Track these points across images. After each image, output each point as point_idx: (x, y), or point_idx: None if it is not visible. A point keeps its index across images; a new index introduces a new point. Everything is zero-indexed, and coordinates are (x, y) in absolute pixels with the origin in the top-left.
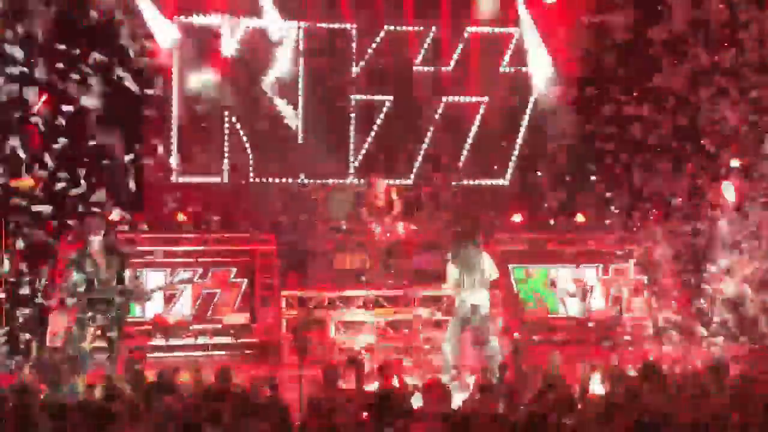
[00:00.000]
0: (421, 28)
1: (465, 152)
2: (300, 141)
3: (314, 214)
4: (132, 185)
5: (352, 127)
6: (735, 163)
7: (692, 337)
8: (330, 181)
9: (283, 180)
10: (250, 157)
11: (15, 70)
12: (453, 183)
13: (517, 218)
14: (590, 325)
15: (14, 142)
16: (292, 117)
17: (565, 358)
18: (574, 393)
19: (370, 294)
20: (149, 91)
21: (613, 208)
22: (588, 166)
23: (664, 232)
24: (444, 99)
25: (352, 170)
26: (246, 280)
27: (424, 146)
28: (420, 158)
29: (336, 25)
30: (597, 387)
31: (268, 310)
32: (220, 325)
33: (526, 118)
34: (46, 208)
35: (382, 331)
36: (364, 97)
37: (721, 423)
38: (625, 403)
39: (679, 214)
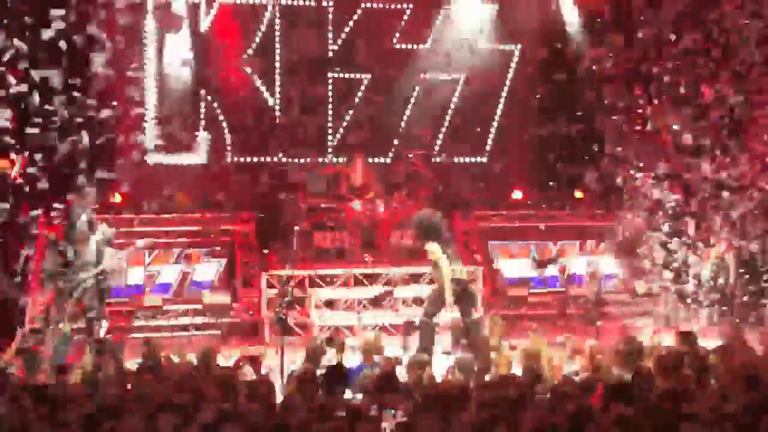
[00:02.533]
0: (399, 6)
1: (444, 129)
2: (278, 120)
3: (294, 194)
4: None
5: (330, 106)
6: None
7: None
8: (308, 160)
9: (262, 159)
10: (228, 136)
11: None
12: (432, 161)
13: (516, 195)
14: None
15: None
16: (270, 96)
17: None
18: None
19: (351, 272)
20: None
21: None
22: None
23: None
24: (422, 76)
25: (330, 149)
26: (226, 260)
27: (403, 124)
28: (399, 136)
29: (313, 3)
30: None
31: (248, 289)
32: (200, 306)
33: (505, 92)
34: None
35: (363, 309)
36: (341, 75)
37: None
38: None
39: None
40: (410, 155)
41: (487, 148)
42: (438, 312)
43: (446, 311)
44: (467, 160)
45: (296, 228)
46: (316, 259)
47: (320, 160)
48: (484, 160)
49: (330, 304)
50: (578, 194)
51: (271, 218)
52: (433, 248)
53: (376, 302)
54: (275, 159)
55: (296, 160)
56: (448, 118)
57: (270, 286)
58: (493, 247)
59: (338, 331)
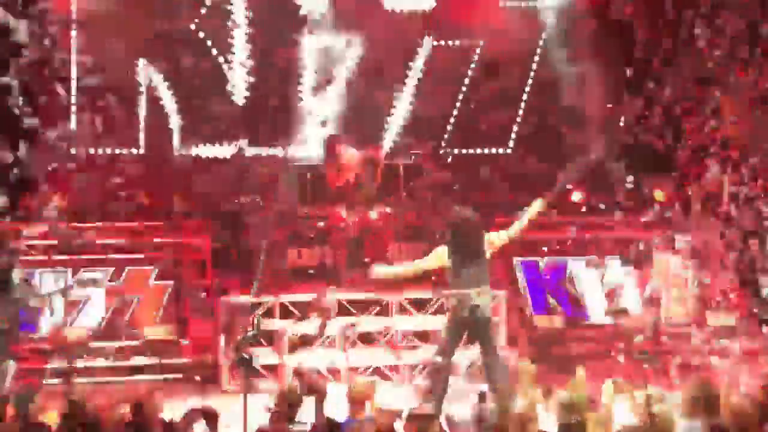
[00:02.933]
0: None
1: (455, 113)
2: (240, 102)
3: (260, 196)
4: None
5: (308, 81)
6: None
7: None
8: (279, 150)
9: (219, 152)
10: (175, 123)
11: None
12: (440, 153)
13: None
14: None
15: None
16: (230, 71)
17: (590, 377)
18: None
19: (334, 298)
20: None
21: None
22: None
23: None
24: (426, 44)
25: (307, 138)
26: (172, 283)
27: (402, 107)
28: (397, 122)
29: None
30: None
31: (201, 321)
32: (138, 342)
33: (534, 65)
34: None
35: (350, 345)
36: (320, 42)
37: None
38: None
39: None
40: (413, 146)
41: (512, 136)
42: (453, 348)
43: (463, 349)
44: (486, 151)
45: (264, 241)
46: (291, 281)
47: (293, 152)
48: (509, 151)
49: (308, 339)
50: (658, 195)
51: (232, 228)
52: (438, 254)
53: (368, 337)
54: (237, 151)
55: (264, 153)
56: (460, 97)
57: (230, 316)
58: (520, 265)
59: (318, 375)
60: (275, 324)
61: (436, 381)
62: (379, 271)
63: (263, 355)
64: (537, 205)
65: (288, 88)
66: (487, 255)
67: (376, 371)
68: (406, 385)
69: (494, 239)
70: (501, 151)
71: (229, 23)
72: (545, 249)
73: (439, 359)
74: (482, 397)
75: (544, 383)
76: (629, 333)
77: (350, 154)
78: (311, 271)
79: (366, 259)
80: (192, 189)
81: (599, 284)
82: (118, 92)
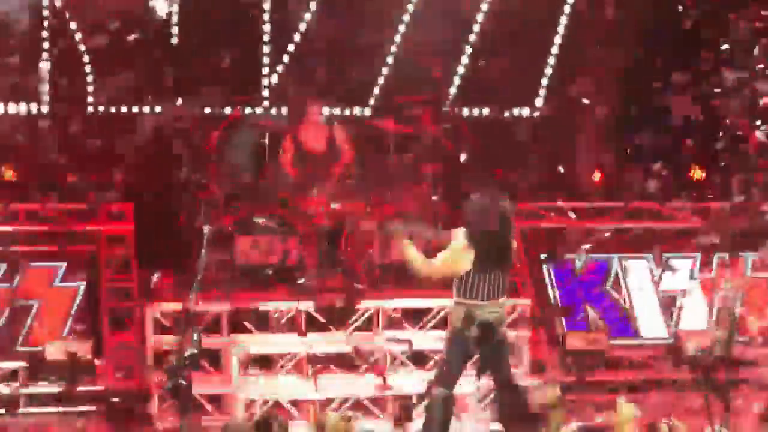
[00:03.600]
0: None
1: (463, 65)
2: (174, 43)
3: (202, 170)
4: None
5: (267, 22)
6: None
7: None
8: (228, 110)
9: (147, 110)
10: (89, 75)
11: None
12: (443, 114)
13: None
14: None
15: None
16: (162, 5)
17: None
18: None
19: (301, 307)
20: None
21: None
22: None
23: None
24: None
25: (266, 92)
26: (84, 285)
27: (392, 56)
28: (384, 76)
29: None
30: None
31: (123, 335)
32: (40, 361)
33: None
34: None
35: (320, 369)
36: None
37: None
38: None
39: None
40: (407, 107)
41: (541, 94)
42: (456, 377)
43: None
44: (507, 114)
45: (205, 229)
46: (242, 283)
47: (248, 111)
48: (536, 114)
49: (265, 361)
50: (697, 173)
51: (162, 212)
52: (454, 247)
53: (343, 359)
54: (170, 111)
55: (206, 111)
56: (469, 45)
57: (161, 329)
58: (549, 265)
59: (278, 408)
60: (221, 340)
61: (432, 420)
62: (398, 229)
63: (205, 382)
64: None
65: (240, 27)
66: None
67: (355, 405)
68: (392, 422)
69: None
70: (526, 112)
71: None
72: (585, 245)
73: (437, 391)
74: None
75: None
76: (691, 356)
77: (321, 118)
78: (269, 271)
79: (342, 258)
80: (111, 159)
81: (654, 291)
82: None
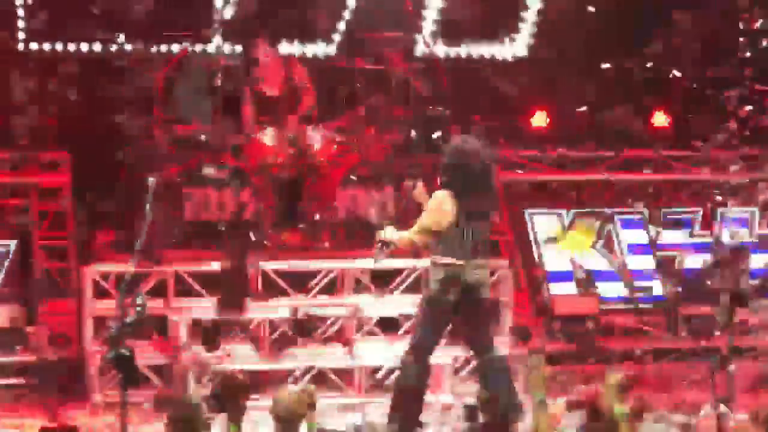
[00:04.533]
0: None
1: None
2: None
3: (146, 112)
4: None
5: None
6: None
7: None
8: (174, 47)
9: (83, 48)
10: (18, 8)
11: None
12: (416, 55)
13: (539, 121)
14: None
15: None
16: None
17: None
18: None
19: (258, 267)
20: None
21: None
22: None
23: None
24: None
25: (217, 27)
26: (13, 243)
27: None
28: (351, 10)
29: None
30: None
31: (59, 300)
32: None
33: None
34: None
35: (281, 338)
36: None
37: None
38: None
39: None
40: (375, 45)
41: (524, 33)
42: (432, 345)
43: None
44: (488, 54)
45: (150, 180)
46: (191, 241)
47: (195, 48)
48: (522, 54)
49: (217, 329)
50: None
51: (102, 162)
52: (435, 199)
53: (307, 325)
54: (108, 47)
55: (150, 49)
56: None
57: (100, 293)
58: (535, 220)
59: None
60: (169, 305)
61: (404, 393)
62: (392, 235)
63: (150, 352)
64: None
65: None
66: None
67: (318, 376)
68: (361, 397)
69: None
70: (509, 54)
71: None
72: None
73: (410, 360)
74: (471, 414)
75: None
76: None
77: (277, 55)
78: (221, 228)
79: (304, 211)
80: (45, 102)
81: (651, 250)
82: None
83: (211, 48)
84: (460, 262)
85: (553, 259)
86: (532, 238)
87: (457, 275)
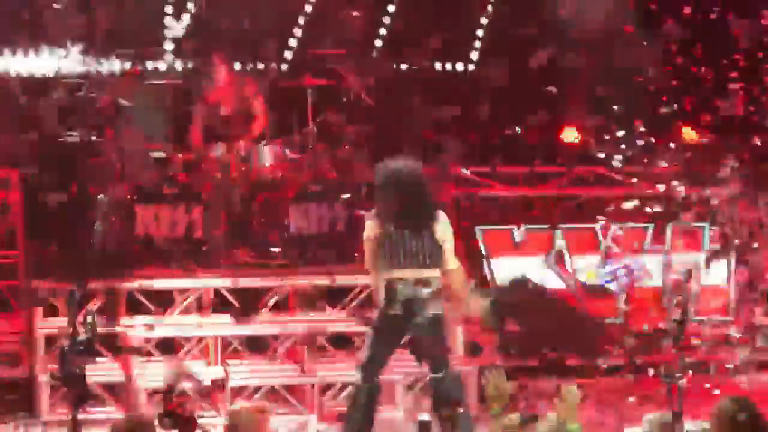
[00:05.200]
0: None
1: (389, 13)
2: None
3: (96, 129)
4: None
5: None
6: None
7: None
8: (128, 65)
9: (37, 67)
10: None
11: None
12: (368, 66)
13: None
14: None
15: None
16: None
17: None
18: None
19: (209, 284)
20: None
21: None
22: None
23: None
24: None
25: (169, 45)
26: None
27: (310, 4)
28: (302, 27)
29: None
30: None
31: (8, 317)
32: None
33: None
34: None
35: (229, 356)
36: None
37: None
38: None
39: None
40: (329, 61)
41: (476, 46)
42: (380, 362)
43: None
44: (440, 67)
45: (100, 197)
46: (142, 259)
47: (151, 65)
48: (471, 68)
49: (168, 346)
50: (688, 132)
51: (51, 178)
52: (366, 226)
53: (256, 343)
54: (58, 63)
55: (101, 65)
56: None
57: (48, 310)
58: (487, 236)
59: (182, 398)
60: (120, 323)
61: (355, 410)
62: None
63: (101, 370)
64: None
65: None
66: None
67: (269, 394)
68: (312, 414)
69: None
70: (460, 66)
71: None
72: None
73: (358, 377)
74: (425, 429)
75: (523, 407)
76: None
77: (229, 72)
78: (172, 245)
79: (256, 228)
80: None
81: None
82: None
83: (162, 65)
84: (399, 276)
85: (505, 275)
86: (485, 253)
87: (395, 289)
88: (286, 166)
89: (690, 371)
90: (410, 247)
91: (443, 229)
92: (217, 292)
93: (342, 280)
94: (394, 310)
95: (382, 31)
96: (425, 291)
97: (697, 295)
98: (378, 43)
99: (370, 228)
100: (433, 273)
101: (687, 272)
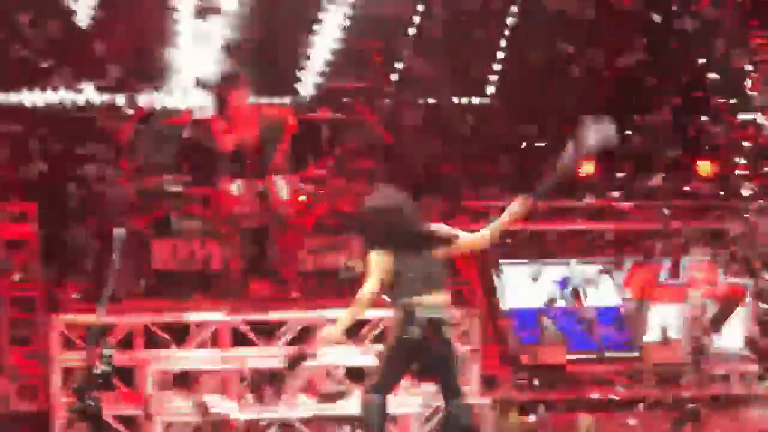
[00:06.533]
0: None
1: (408, 50)
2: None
3: (112, 163)
4: None
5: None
6: None
7: None
8: (142, 99)
9: (50, 101)
10: None
11: None
12: (385, 102)
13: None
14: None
15: None
16: None
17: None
18: None
19: (227, 320)
20: None
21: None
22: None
23: None
24: None
25: (189, 79)
26: None
27: (328, 36)
28: (320, 58)
29: None
30: None
31: (24, 350)
32: None
33: None
34: None
35: (245, 389)
36: None
37: None
38: None
39: None
40: (347, 95)
41: (492, 80)
42: (391, 383)
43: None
44: (455, 101)
45: (117, 231)
46: (158, 292)
47: (161, 99)
48: (486, 101)
49: (185, 379)
50: (703, 167)
51: (70, 212)
52: (371, 260)
53: (272, 377)
54: (74, 97)
55: (119, 102)
56: (415, 22)
57: (67, 344)
58: (504, 270)
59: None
60: (136, 356)
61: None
62: (330, 334)
63: (117, 403)
64: (514, 207)
65: (155, 10)
66: (442, 253)
67: (285, 428)
68: None
69: (464, 239)
70: (476, 100)
71: None
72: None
73: (369, 398)
74: None
75: None
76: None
77: (249, 104)
78: (189, 278)
79: (271, 262)
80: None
81: (618, 299)
82: None
83: (177, 96)
84: (415, 300)
85: (521, 309)
86: (498, 288)
87: (412, 312)
88: (304, 200)
89: (707, 405)
90: (419, 277)
91: (436, 227)
92: (235, 328)
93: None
94: (411, 334)
95: (399, 65)
96: (441, 314)
97: (714, 329)
98: (394, 77)
99: (377, 257)
100: (444, 296)
101: (701, 307)
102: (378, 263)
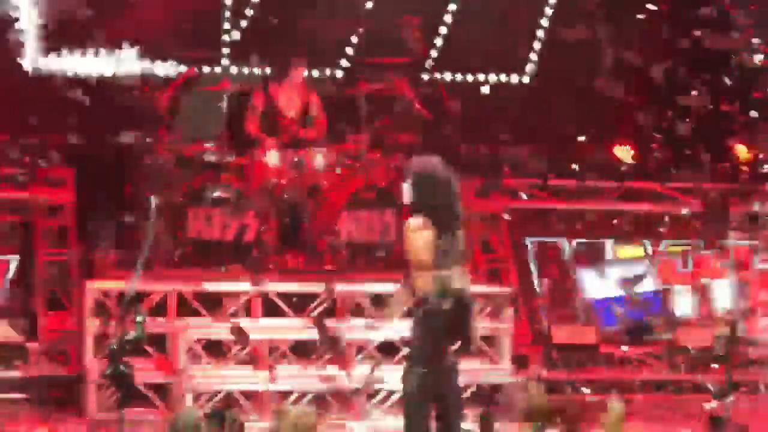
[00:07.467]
0: None
1: (446, 24)
2: None
3: (151, 132)
4: None
5: None
6: None
7: None
8: (181, 69)
9: (92, 67)
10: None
11: None
12: (422, 79)
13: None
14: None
15: None
16: None
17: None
18: None
19: (261, 289)
20: None
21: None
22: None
23: None
24: None
25: (226, 50)
26: (15, 259)
27: (366, 12)
28: (358, 34)
29: None
30: None
31: (59, 316)
32: None
33: None
34: None
35: (282, 361)
36: None
37: None
38: None
39: None
40: (385, 69)
41: (532, 58)
42: (436, 353)
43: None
44: (493, 79)
45: (152, 199)
46: (194, 260)
47: (203, 69)
48: (526, 80)
49: (217, 348)
50: (742, 150)
51: (104, 180)
52: (414, 225)
53: (307, 348)
54: (115, 66)
55: (153, 69)
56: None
57: (100, 309)
58: (537, 248)
59: (230, 402)
60: (169, 324)
61: (411, 402)
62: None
63: (150, 370)
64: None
65: None
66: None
67: (317, 400)
68: (359, 420)
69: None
70: (515, 79)
71: None
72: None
73: (411, 369)
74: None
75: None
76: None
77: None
78: (224, 247)
79: (306, 234)
80: (51, 119)
81: (652, 280)
82: None
83: (218, 69)
84: (450, 272)
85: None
86: (531, 265)
87: (449, 284)
88: (340, 172)
89: (738, 390)
90: (454, 249)
91: None
92: (267, 298)
93: (392, 287)
94: (444, 303)
95: (438, 41)
96: (465, 285)
97: (747, 313)
98: (434, 53)
99: (418, 226)
100: (466, 270)
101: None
102: (417, 239)
